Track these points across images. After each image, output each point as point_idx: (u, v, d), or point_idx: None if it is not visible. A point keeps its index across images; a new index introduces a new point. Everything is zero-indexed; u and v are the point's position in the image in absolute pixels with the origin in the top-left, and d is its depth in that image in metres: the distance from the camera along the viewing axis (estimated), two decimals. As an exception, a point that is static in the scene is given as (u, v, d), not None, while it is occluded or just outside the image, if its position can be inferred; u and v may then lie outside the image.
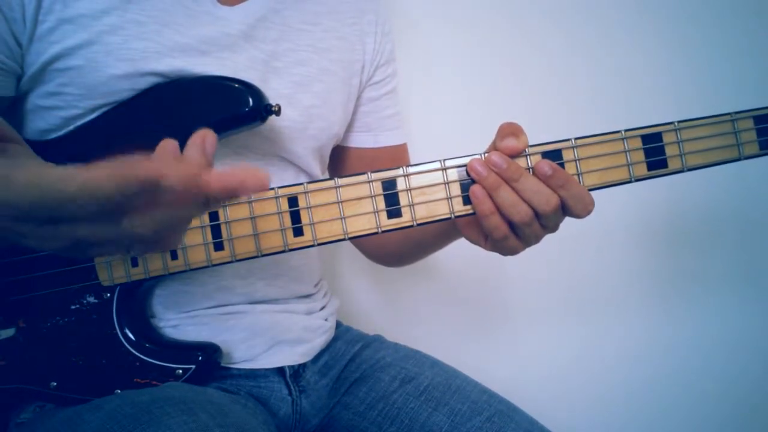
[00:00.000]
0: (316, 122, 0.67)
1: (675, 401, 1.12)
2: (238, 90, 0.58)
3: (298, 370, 0.69)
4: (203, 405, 0.52)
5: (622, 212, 1.05)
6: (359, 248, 0.85)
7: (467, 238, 0.61)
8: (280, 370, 0.67)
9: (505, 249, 0.57)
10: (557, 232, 0.56)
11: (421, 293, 1.05)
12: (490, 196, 0.53)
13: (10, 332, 0.58)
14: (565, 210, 0.54)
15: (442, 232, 0.67)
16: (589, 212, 0.53)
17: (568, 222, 0.56)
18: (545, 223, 0.54)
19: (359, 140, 0.77)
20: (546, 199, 0.52)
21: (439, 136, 0.94)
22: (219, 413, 0.51)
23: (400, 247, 0.77)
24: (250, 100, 0.58)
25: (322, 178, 0.73)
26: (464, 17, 1.00)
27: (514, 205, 0.52)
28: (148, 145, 0.58)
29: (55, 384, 0.58)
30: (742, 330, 1.12)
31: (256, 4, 0.63)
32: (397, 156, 0.79)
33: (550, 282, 1.08)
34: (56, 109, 0.58)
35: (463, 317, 1.07)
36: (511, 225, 0.54)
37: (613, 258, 1.09)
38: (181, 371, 0.58)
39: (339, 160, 0.78)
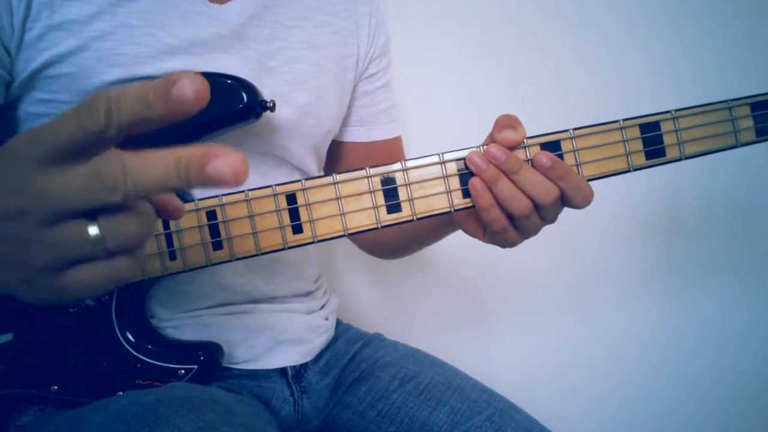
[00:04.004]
0: (310, 120, 0.67)
1: (677, 397, 1.12)
2: (231, 86, 0.58)
3: (299, 371, 0.69)
4: (210, 404, 0.52)
5: (622, 204, 1.05)
6: (354, 242, 0.85)
7: (465, 231, 0.61)
8: (282, 371, 0.67)
9: (503, 241, 0.57)
10: (557, 226, 0.56)
11: (420, 291, 1.05)
12: (490, 189, 0.53)
13: (8, 337, 0.58)
14: (564, 201, 0.54)
15: (440, 224, 0.67)
16: (588, 203, 0.53)
17: (567, 216, 0.56)
18: (544, 214, 0.54)
19: (353, 134, 0.76)
20: (546, 190, 0.52)
21: (436, 129, 0.94)
22: (226, 412, 0.51)
23: (397, 239, 0.77)
24: (244, 96, 0.57)
25: (317, 174, 0.73)
26: (460, 9, 1.00)
27: (514, 197, 0.52)
28: (141, 144, 0.57)
29: (56, 388, 0.57)
30: (747, 321, 1.12)
31: (248, 1, 0.63)
32: (392, 149, 0.78)
33: (550, 280, 1.08)
34: (48, 116, 0.57)
35: (463, 316, 1.07)
36: (511, 217, 0.54)
37: (614, 252, 1.09)
38: (183, 371, 0.58)
39: (333, 155, 0.77)
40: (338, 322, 0.79)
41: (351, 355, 0.74)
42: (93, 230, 0.32)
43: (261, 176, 0.64)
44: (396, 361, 0.72)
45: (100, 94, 0.30)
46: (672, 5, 1.04)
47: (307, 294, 0.73)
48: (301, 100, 0.65)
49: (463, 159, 0.54)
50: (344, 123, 0.75)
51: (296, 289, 0.71)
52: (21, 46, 0.54)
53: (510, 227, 0.54)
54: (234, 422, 0.51)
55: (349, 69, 0.72)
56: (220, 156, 0.30)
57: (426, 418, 0.66)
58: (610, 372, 1.10)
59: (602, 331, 1.09)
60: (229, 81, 0.58)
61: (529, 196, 0.52)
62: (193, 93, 0.29)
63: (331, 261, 1.01)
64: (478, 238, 0.59)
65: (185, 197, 0.59)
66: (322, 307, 0.75)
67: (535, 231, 0.55)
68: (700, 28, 1.05)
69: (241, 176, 0.30)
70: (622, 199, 1.04)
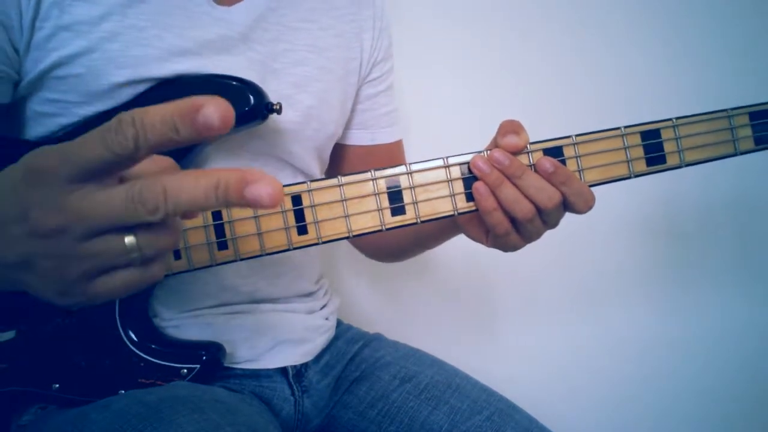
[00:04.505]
0: (313, 123, 0.67)
1: (677, 397, 1.12)
2: (238, 88, 0.58)
3: (300, 370, 0.69)
4: (212, 404, 0.52)
5: (622, 208, 1.06)
6: (355, 245, 0.85)
7: (468, 236, 0.62)
8: (283, 371, 0.67)
9: (506, 245, 0.57)
10: (558, 227, 0.57)
11: (420, 292, 1.06)
12: (493, 193, 0.53)
13: (10, 335, 0.58)
14: (566, 206, 0.54)
15: (443, 228, 0.68)
16: (590, 208, 0.54)
17: (568, 219, 0.57)
18: (547, 218, 0.55)
19: (356, 138, 0.77)
20: (548, 195, 0.53)
21: (438, 132, 0.95)
22: (228, 412, 0.52)
23: (399, 242, 0.78)
24: (251, 98, 0.58)
25: (321, 177, 0.74)
26: (463, 14, 1.01)
27: (517, 201, 0.53)
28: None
29: (57, 386, 0.57)
30: (746, 321, 1.13)
31: (254, 3, 0.63)
32: (394, 152, 0.79)
33: (551, 280, 1.08)
34: (55, 116, 0.57)
35: (463, 316, 1.07)
36: (513, 221, 0.55)
37: (614, 254, 1.10)
38: (186, 371, 0.58)
39: (336, 157, 0.77)
40: (339, 323, 0.80)
41: (351, 354, 0.75)
42: (130, 241, 0.34)
43: None
44: (396, 361, 0.73)
45: (125, 119, 0.31)
46: (672, 6, 1.05)
47: (309, 294, 0.74)
48: (305, 103, 0.66)
49: (467, 163, 0.55)
50: (347, 126, 0.76)
51: (298, 289, 0.71)
52: (30, 45, 0.54)
53: (512, 231, 0.55)
54: (237, 421, 0.51)
55: (353, 72, 0.72)
56: (258, 181, 0.31)
57: (426, 418, 0.67)
58: (610, 372, 1.11)
59: (602, 332, 1.10)
60: (235, 83, 0.58)
61: (531, 201, 0.53)
62: (218, 119, 0.30)
63: (332, 262, 1.01)
64: (481, 243, 0.60)
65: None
66: (323, 307, 0.75)
67: (537, 235, 0.56)
68: (701, 29, 1.06)
69: (277, 200, 0.31)
70: (622, 201, 1.05)
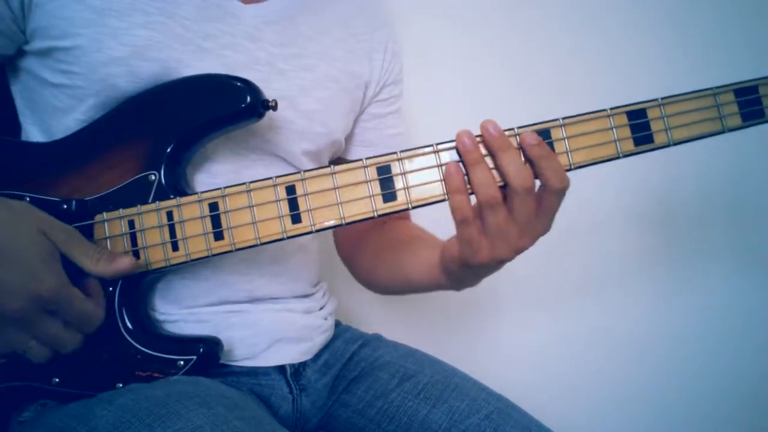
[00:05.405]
0: (316, 127, 0.69)
1: (678, 396, 1.11)
2: (235, 86, 0.60)
3: (298, 369, 0.69)
4: (218, 399, 0.52)
5: (618, 202, 1.06)
6: (352, 272, 0.85)
7: (446, 263, 0.63)
8: (281, 369, 0.67)
9: (466, 244, 0.56)
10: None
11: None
12: (467, 173, 0.54)
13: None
14: (545, 184, 0.55)
15: (431, 279, 0.69)
16: (564, 186, 0.54)
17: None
18: (514, 211, 0.54)
19: (359, 154, 0.78)
20: (523, 176, 0.53)
21: (440, 133, 0.96)
22: (235, 407, 0.52)
23: (389, 280, 0.77)
24: (248, 96, 0.59)
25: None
26: (463, 14, 1.03)
27: (486, 185, 0.54)
28: (148, 143, 0.60)
29: (57, 380, 0.58)
30: (748, 317, 1.11)
31: (271, 8, 0.65)
32: None
33: (549, 280, 1.08)
34: (64, 87, 0.59)
35: (461, 316, 1.07)
36: (481, 218, 0.55)
37: (612, 251, 1.09)
38: (182, 362, 0.58)
39: None
40: (337, 323, 0.80)
41: (350, 354, 0.75)
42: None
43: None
44: (395, 361, 0.73)
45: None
46: (672, 7, 1.07)
47: (307, 296, 0.74)
48: (308, 106, 0.67)
49: (456, 148, 0.56)
50: (352, 142, 0.78)
51: (296, 290, 0.72)
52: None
53: (474, 221, 0.55)
54: (244, 416, 0.51)
55: (360, 87, 0.74)
56: None
57: (425, 417, 0.66)
58: (609, 370, 1.09)
59: (602, 330, 1.09)
60: (232, 81, 0.60)
61: (505, 178, 0.54)
62: None
63: (332, 263, 1.01)
64: (454, 269, 0.61)
65: (186, 191, 0.61)
66: (321, 308, 0.75)
67: (500, 235, 0.55)
68: (700, 29, 1.08)
69: None
70: (617, 196, 1.04)
